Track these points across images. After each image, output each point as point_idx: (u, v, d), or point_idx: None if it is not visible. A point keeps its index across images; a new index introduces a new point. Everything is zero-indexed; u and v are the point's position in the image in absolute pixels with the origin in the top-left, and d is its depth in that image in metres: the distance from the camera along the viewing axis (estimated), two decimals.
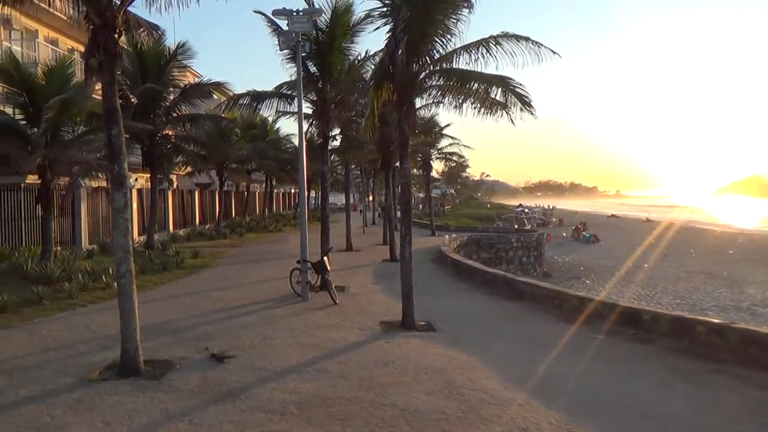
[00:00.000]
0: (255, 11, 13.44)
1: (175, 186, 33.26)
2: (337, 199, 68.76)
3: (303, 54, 13.29)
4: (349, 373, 7.54)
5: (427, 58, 9.98)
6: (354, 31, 14.27)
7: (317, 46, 13.98)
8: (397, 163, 28.22)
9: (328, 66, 14.07)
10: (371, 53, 14.29)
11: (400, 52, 9.59)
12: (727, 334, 8.61)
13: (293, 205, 63.40)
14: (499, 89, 9.13)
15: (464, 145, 34.71)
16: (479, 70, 9.70)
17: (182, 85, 19.51)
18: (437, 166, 50.25)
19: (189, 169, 30.11)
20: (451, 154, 35.57)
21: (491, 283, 15.02)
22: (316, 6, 13.41)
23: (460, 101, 10.37)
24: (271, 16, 13.23)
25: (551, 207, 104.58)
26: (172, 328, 10.18)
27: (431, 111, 27.89)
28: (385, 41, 9.59)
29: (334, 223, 19.65)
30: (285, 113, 22.44)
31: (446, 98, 10.42)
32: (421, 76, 9.97)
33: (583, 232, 53.20)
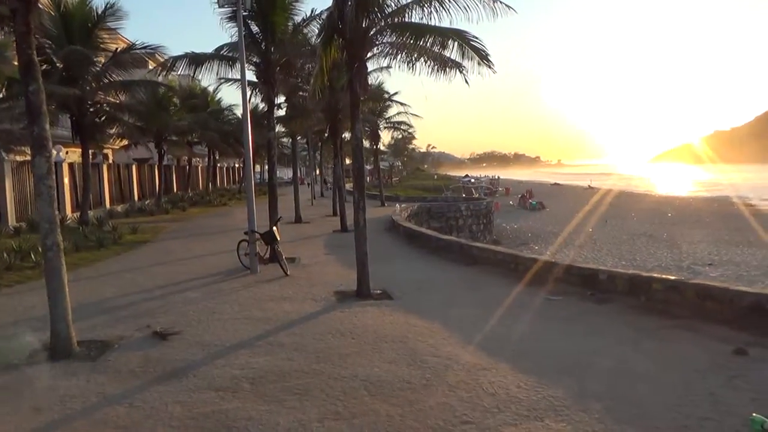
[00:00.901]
0: None
1: (110, 160, 31.60)
2: (283, 173, 67.38)
3: (244, 13, 12.46)
4: (304, 346, 7.11)
5: (378, 14, 9.42)
6: None
7: (259, 4, 13.12)
8: (345, 134, 27.61)
9: (272, 26, 13.24)
10: (317, 12, 13.55)
11: (349, 6, 9.01)
12: (684, 290, 8.64)
13: (238, 180, 61.72)
14: (456, 43, 8.68)
15: (413, 114, 34.29)
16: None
17: (113, 49, 18.09)
18: (384, 137, 49.75)
19: (125, 141, 28.56)
20: (400, 123, 35.09)
21: (445, 249, 14.80)
22: None
23: (414, 58, 9.88)
24: None
25: (497, 177, 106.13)
26: (110, 306, 9.46)
27: (378, 79, 27.27)
28: None
29: (282, 196, 18.97)
30: (227, 80, 21.38)
31: (399, 56, 9.90)
32: (372, 32, 9.41)
33: (530, 200, 54.09)
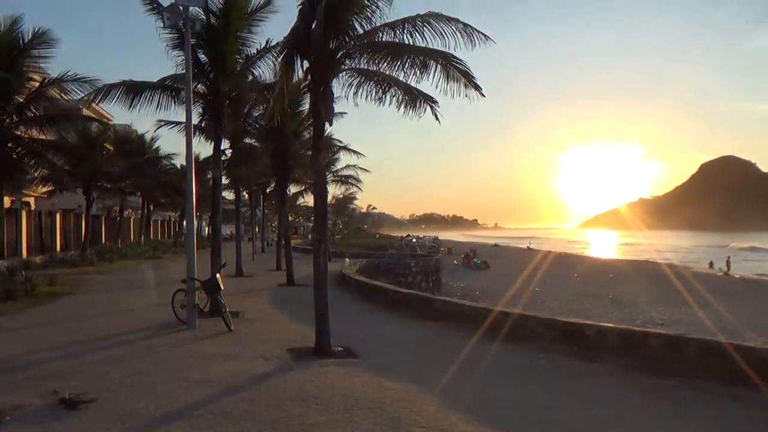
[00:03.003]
0: None
1: (32, 207, 29.03)
2: (223, 229, 64.78)
3: (192, 42, 11.33)
4: (258, 415, 5.67)
5: (347, 35, 8.52)
6: (252, 19, 12.48)
7: (208, 32, 12.05)
8: (290, 188, 26.32)
9: (222, 55, 12.13)
10: (273, 43, 12.52)
11: (315, 24, 8.06)
12: (683, 347, 7.80)
13: (173, 234, 58.80)
14: (438, 65, 7.81)
15: (361, 168, 33.52)
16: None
17: (41, 80, 16.31)
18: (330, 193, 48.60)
19: (49, 187, 26.26)
20: (347, 177, 34.17)
21: (405, 303, 13.58)
22: None
23: (384, 88, 8.97)
24: None
25: (437, 237, 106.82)
26: (8, 367, 7.68)
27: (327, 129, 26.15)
28: (299, 6, 8.02)
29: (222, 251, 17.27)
30: (167, 122, 20.03)
31: (367, 84, 8.95)
32: (339, 54, 8.45)
33: (474, 259, 53.82)
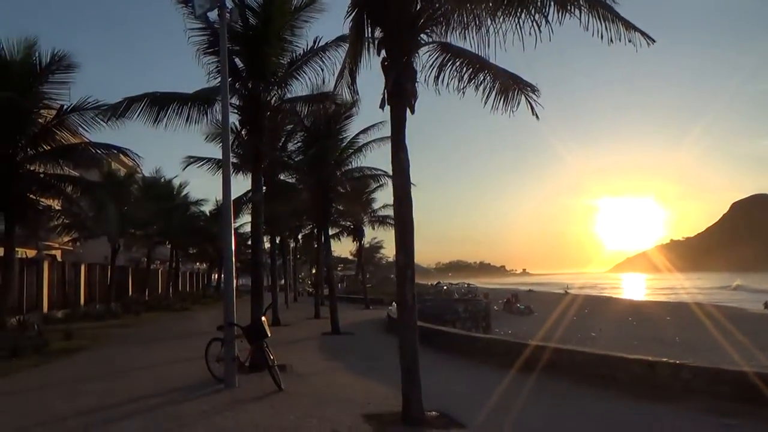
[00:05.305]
0: None
1: (59, 259, 27.49)
2: (248, 281, 62.90)
3: (227, 46, 9.52)
4: None
5: None
6: (296, 18, 10.67)
7: (246, 33, 10.28)
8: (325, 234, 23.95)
9: (262, 58, 10.29)
10: (321, 42, 10.66)
11: None
12: None
13: (201, 286, 57.02)
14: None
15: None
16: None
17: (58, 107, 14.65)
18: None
19: (72, 235, 24.68)
20: (385, 217, 32.06)
21: (485, 352, 11.20)
22: None
23: (475, 70, 6.97)
24: None
25: (470, 284, 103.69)
26: None
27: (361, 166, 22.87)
28: None
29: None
30: (198, 159, 18.30)
31: (452, 67, 6.95)
32: (424, 19, 6.45)
33: (517, 304, 50.78)
